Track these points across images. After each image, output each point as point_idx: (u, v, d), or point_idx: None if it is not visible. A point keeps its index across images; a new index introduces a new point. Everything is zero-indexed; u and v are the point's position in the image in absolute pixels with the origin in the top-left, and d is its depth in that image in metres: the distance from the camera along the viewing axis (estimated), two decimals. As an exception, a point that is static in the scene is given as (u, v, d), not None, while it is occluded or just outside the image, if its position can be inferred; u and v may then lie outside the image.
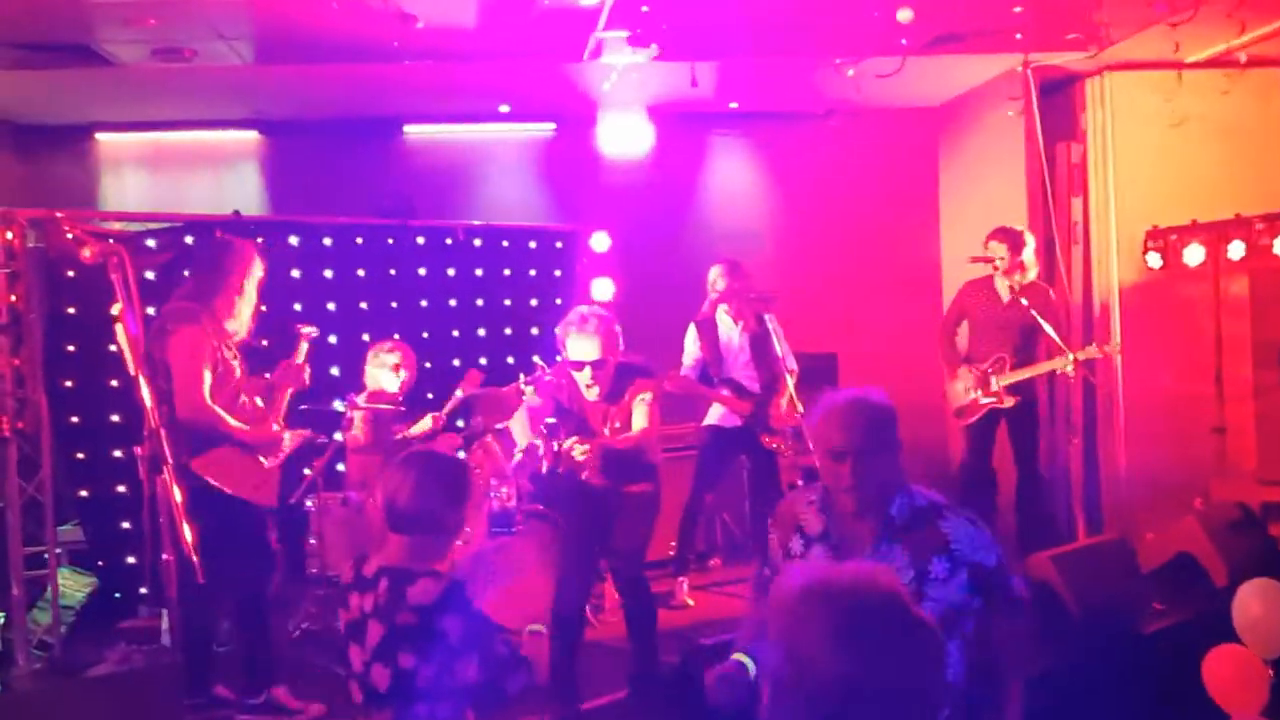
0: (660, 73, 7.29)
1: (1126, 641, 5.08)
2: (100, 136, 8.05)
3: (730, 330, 6.87)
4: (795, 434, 6.73)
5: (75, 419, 6.29)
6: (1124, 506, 7.38)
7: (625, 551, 5.11)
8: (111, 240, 4.24)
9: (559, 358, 7.36)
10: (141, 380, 3.79)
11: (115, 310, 4.11)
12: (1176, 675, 4.44)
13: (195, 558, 3.73)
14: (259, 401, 5.04)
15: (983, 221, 8.03)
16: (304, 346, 5.31)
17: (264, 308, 5.21)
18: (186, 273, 6.27)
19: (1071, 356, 6.40)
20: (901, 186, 8.79)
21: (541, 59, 7.04)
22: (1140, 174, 7.53)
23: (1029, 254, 6.62)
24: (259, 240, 5.71)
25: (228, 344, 4.88)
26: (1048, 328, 6.35)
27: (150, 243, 6.45)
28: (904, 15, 6.25)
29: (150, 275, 6.38)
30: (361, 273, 7.01)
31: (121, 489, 6.29)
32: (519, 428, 5.76)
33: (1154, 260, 7.27)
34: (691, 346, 6.74)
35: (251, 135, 8.21)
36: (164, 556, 4.06)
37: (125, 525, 6.32)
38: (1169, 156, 7.51)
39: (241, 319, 4.96)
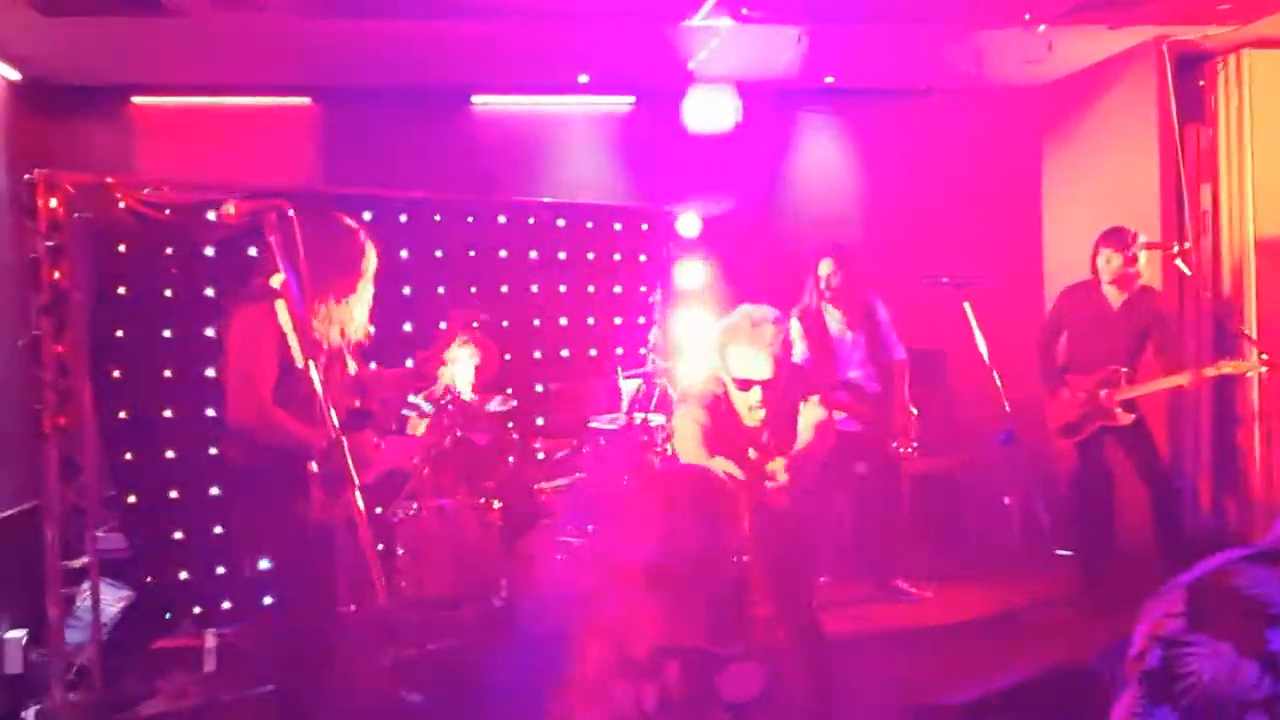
0: (753, 43, 6.64)
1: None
2: (137, 100, 7.27)
3: (840, 326, 6.27)
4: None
5: (123, 414, 5.54)
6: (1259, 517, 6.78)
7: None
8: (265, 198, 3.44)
9: (644, 350, 6.80)
10: (313, 372, 3.04)
11: (276, 282, 3.40)
12: None
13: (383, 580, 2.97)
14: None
15: (1096, 211, 7.47)
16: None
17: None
18: (253, 250, 5.61)
19: (1208, 371, 5.87)
20: (1003, 171, 8.15)
21: (632, 21, 6.37)
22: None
23: (1143, 256, 6.03)
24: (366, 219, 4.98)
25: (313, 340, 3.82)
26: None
27: (211, 215, 5.71)
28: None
29: (209, 251, 5.67)
30: (439, 253, 6.30)
31: (174, 495, 5.58)
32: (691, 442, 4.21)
33: (1295, 254, 6.67)
34: (798, 344, 6.11)
35: (303, 102, 7.44)
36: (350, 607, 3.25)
37: (178, 535, 5.60)
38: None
39: (355, 320, 4.00)
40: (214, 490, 5.59)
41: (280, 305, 3.54)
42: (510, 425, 5.76)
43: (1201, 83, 7.18)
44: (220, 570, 5.64)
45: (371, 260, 4.04)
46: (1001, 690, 3.77)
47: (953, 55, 6.87)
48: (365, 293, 4.04)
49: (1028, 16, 6.11)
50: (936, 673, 5.07)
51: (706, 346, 4.28)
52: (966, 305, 4.55)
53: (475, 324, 5.06)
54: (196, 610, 5.62)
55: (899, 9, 6.37)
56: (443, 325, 6.03)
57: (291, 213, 3.16)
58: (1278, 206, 6.84)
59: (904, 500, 6.41)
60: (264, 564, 5.34)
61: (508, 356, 6.19)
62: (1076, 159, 7.96)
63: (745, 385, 4.00)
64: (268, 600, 5.51)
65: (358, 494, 3.01)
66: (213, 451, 5.59)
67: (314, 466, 3.47)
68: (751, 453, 4.01)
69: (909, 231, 7.82)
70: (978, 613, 6.02)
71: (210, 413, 5.60)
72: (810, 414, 4.12)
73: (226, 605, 5.67)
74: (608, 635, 2.33)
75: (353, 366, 4.05)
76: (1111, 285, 6.06)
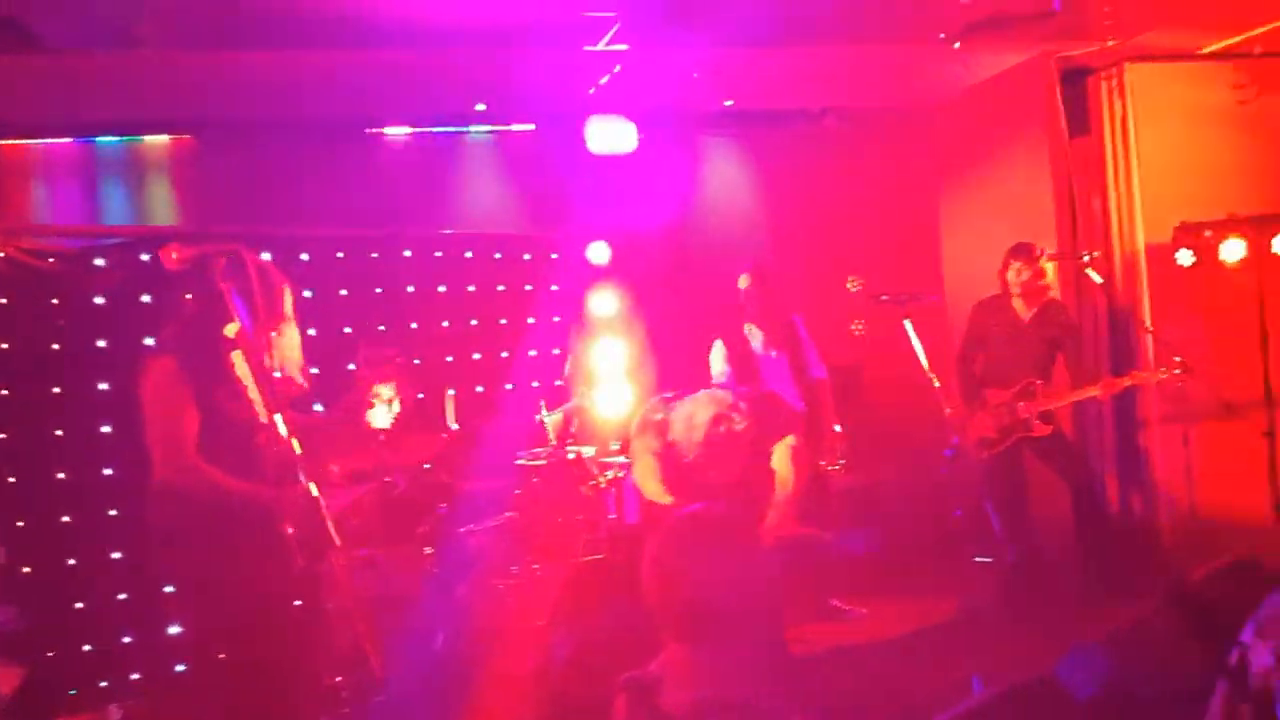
0: (653, 68, 6.60)
1: None
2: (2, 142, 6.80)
3: (762, 344, 6.24)
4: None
5: (12, 479, 5.14)
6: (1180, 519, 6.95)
7: None
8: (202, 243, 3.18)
9: (559, 382, 6.67)
10: (279, 425, 2.79)
11: (230, 331, 3.14)
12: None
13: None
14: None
15: (993, 225, 7.62)
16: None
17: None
18: (146, 298, 5.31)
19: (1124, 381, 6.03)
20: (900, 191, 8.25)
21: (531, 48, 6.25)
22: (1164, 169, 7.13)
23: (1050, 269, 6.17)
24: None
25: (232, 380, 3.57)
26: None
27: (99, 261, 5.37)
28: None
29: (99, 300, 5.33)
30: (344, 291, 6.05)
31: (73, 562, 5.20)
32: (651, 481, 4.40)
33: (1185, 258, 6.86)
34: (719, 364, 6.07)
35: (185, 138, 7.07)
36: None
37: (79, 605, 5.22)
38: (1192, 151, 7.14)
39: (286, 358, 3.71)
40: (116, 555, 5.24)
41: (237, 356, 3.30)
42: (428, 467, 5.53)
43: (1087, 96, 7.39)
44: (127, 639, 5.28)
45: (288, 300, 3.82)
46: (975, 708, 3.74)
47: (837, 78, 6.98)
48: (292, 335, 3.81)
49: (943, 35, 6.19)
50: (884, 691, 5.02)
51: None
52: (908, 322, 4.52)
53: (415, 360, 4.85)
54: (102, 684, 5.24)
55: (797, 32, 6.39)
56: (351, 366, 5.84)
57: (245, 256, 2.91)
58: (1164, 215, 7.03)
59: (835, 518, 6.37)
60: (176, 630, 5.04)
61: (421, 395, 5.97)
62: (972, 175, 8.11)
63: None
64: (180, 668, 5.20)
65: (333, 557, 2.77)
66: (113, 513, 5.26)
67: (289, 530, 3.22)
68: None
69: (816, 250, 7.85)
70: (914, 625, 6.01)
71: (108, 472, 5.27)
72: (785, 443, 4.10)
73: (135, 676, 5.30)
74: (632, 690, 2.17)
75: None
76: (1020, 299, 6.17)
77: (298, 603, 3.76)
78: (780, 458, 4.15)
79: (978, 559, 6.75)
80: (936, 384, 4.37)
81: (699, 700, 2.06)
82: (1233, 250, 6.69)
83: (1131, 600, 5.76)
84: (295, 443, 3.03)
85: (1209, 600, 4.56)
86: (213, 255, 2.92)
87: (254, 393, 3.31)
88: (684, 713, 2.07)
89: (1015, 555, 6.23)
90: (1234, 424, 6.57)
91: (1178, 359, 5.75)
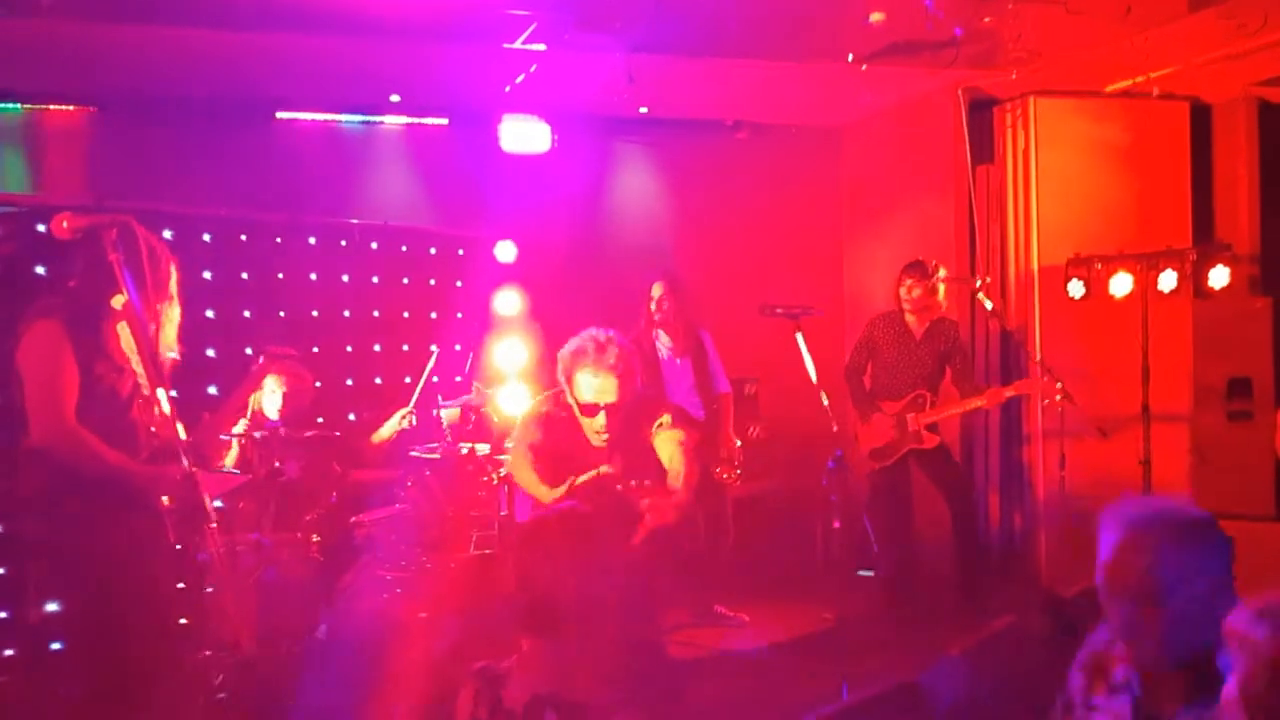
0: (569, 69, 6.64)
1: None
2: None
3: (669, 351, 6.34)
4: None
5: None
6: (1055, 538, 7.19)
7: None
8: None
9: (459, 378, 6.66)
10: (162, 399, 2.77)
11: (117, 303, 3.11)
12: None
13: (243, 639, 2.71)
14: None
15: (893, 245, 7.82)
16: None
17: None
18: (40, 269, 5.20)
19: (1006, 393, 6.25)
20: (805, 207, 8.41)
21: (448, 43, 6.24)
22: (1062, 200, 7.39)
23: (941, 288, 6.37)
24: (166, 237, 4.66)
25: (110, 352, 3.54)
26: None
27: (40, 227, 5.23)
28: (876, 17, 5.91)
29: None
30: (245, 275, 5.98)
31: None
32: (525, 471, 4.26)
33: (1076, 289, 7.10)
34: None
35: (88, 110, 6.90)
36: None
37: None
38: (1089, 184, 7.41)
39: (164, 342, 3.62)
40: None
41: (122, 329, 3.26)
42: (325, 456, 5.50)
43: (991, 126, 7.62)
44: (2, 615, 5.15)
45: (174, 278, 3.78)
46: (843, 709, 3.85)
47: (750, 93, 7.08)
48: (173, 314, 3.77)
49: (850, 57, 6.35)
50: (762, 695, 5.13)
51: (558, 368, 4.27)
52: (799, 335, 4.63)
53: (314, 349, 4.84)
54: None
55: (711, 44, 6.49)
56: (249, 350, 5.79)
57: (136, 229, 2.89)
58: (1059, 243, 7.28)
59: (729, 527, 6.46)
60: (53, 606, 4.93)
61: (318, 384, 5.93)
62: (877, 195, 8.31)
63: (591, 410, 4.09)
64: (55, 645, 5.09)
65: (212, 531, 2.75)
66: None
67: (165, 500, 3.19)
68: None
69: (722, 261, 7.95)
70: (793, 634, 6.13)
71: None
72: (670, 437, 4.13)
73: (9, 653, 5.18)
74: (479, 680, 2.20)
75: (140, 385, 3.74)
76: (913, 314, 6.36)
77: (180, 585, 3.74)
78: (670, 452, 4.17)
79: (860, 572, 6.92)
80: (825, 400, 4.47)
81: (536, 697, 2.10)
82: (1121, 284, 6.95)
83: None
84: (180, 426, 2.98)
85: (1076, 618, 4.75)
86: (104, 226, 2.89)
87: (137, 365, 3.28)
88: (521, 708, 2.11)
89: (892, 568, 6.40)
90: (1112, 450, 6.81)
91: (1059, 385, 5.96)
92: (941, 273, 6.37)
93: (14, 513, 4.08)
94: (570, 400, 4.18)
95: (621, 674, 2.43)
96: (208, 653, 4.36)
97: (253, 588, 4.75)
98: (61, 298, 3.56)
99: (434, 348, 6.01)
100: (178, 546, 3.24)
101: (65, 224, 2.89)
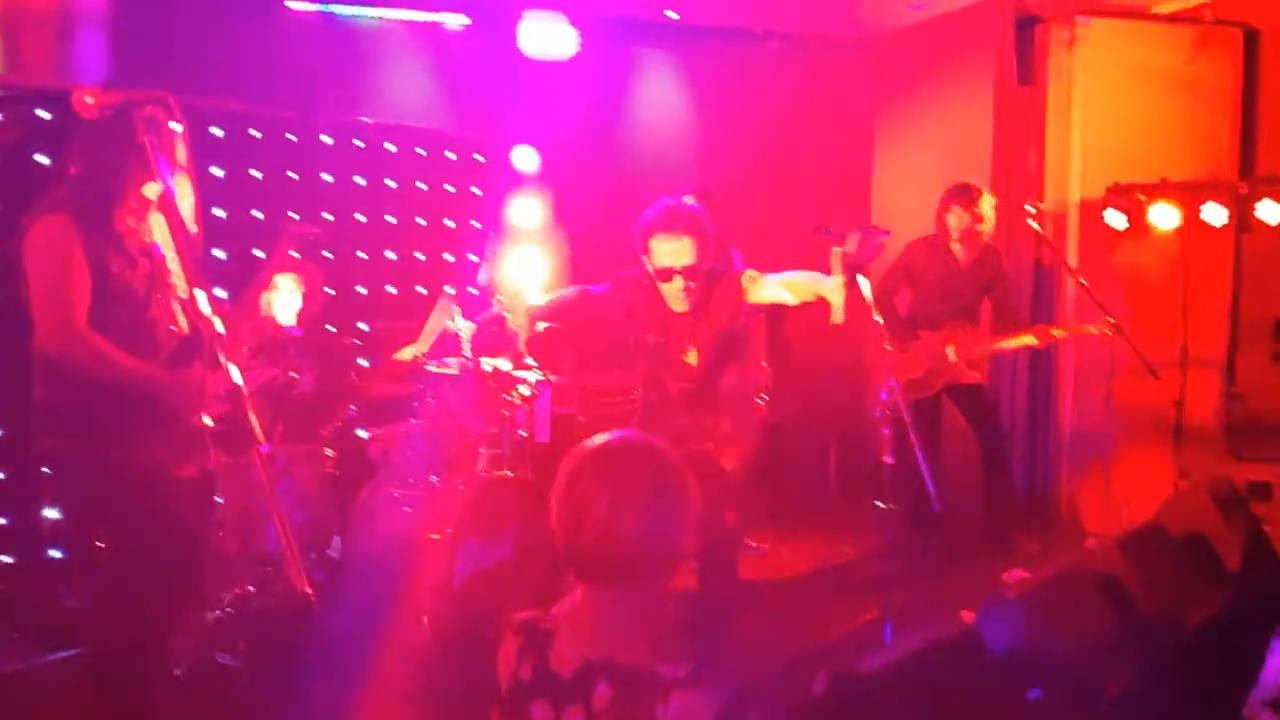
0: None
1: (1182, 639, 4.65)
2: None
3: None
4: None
5: None
6: (1077, 484, 7.01)
7: None
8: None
9: (473, 290, 6.39)
10: (203, 303, 2.49)
11: (151, 192, 2.82)
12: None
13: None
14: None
15: (926, 167, 7.52)
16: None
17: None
18: (43, 158, 4.89)
19: (1056, 332, 5.99)
20: (834, 122, 8.06)
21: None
22: (1104, 126, 7.07)
23: (990, 215, 6.08)
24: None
25: (125, 245, 3.25)
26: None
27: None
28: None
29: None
30: (256, 173, 5.67)
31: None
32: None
33: (1115, 219, 6.84)
34: None
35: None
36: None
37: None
38: (1133, 110, 7.09)
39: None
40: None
41: (158, 220, 2.99)
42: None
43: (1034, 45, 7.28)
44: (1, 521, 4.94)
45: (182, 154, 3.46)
46: (905, 657, 3.68)
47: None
48: (187, 190, 3.46)
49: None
50: (796, 630, 4.97)
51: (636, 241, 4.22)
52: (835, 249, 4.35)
53: (295, 253, 4.55)
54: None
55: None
56: (259, 253, 5.51)
57: (175, 108, 2.58)
58: (1098, 172, 6.99)
59: (761, 451, 6.26)
60: (53, 513, 4.72)
61: (329, 291, 5.67)
62: (910, 112, 7.96)
63: (667, 275, 4.08)
64: (55, 553, 4.90)
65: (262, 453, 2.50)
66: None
67: (207, 420, 2.95)
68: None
69: (748, 176, 7.64)
70: (815, 565, 5.98)
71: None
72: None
73: (7, 560, 4.98)
74: (524, 635, 1.97)
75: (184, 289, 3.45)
76: (959, 242, 6.07)
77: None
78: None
79: (877, 504, 6.73)
80: (879, 319, 4.24)
81: (589, 663, 1.88)
82: (1163, 216, 6.68)
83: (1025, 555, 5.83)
84: (218, 321, 2.69)
85: (1118, 566, 4.57)
86: (137, 103, 2.56)
87: (174, 263, 3.02)
88: (570, 675, 1.89)
89: (915, 503, 6.20)
90: (1146, 389, 6.61)
91: (1110, 319, 5.71)
92: (989, 199, 6.08)
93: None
94: (649, 268, 4.16)
95: (691, 640, 2.21)
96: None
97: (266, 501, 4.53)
98: (69, 188, 3.28)
99: (449, 289, 5.63)
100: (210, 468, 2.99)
101: (90, 99, 2.56)
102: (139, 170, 2.97)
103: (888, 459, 4.27)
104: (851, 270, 3.87)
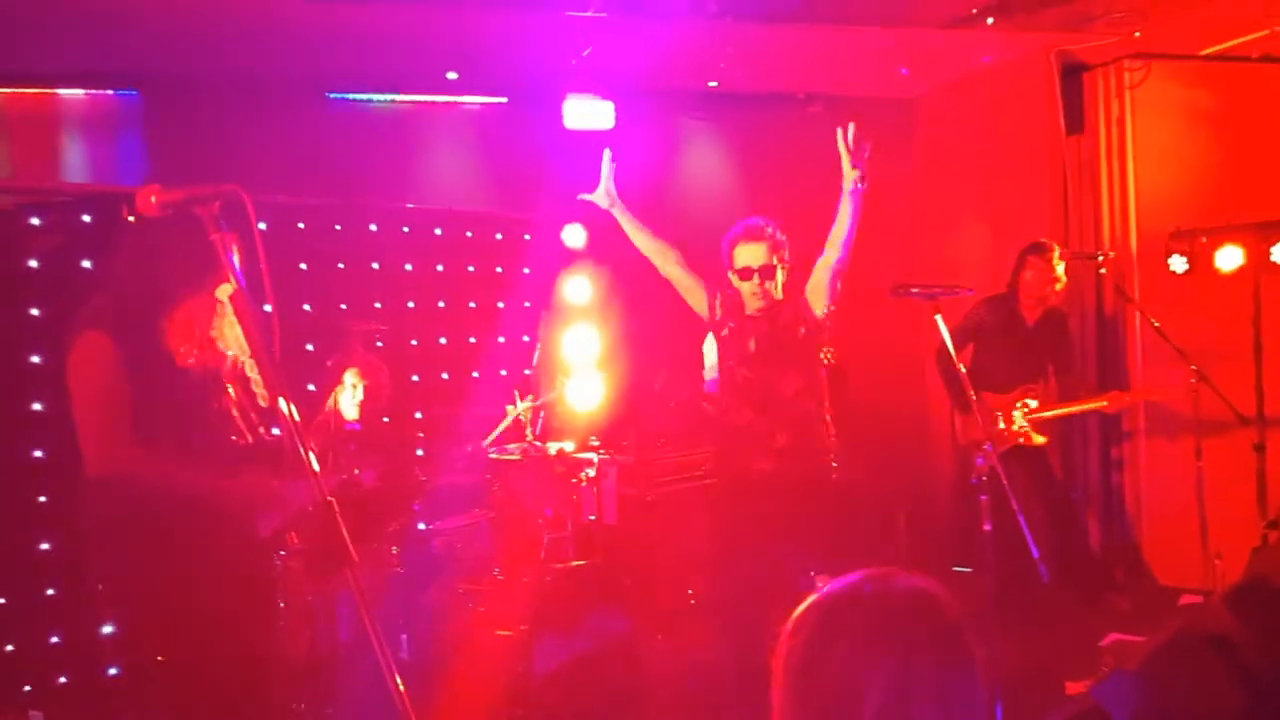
0: (635, 41, 6.21)
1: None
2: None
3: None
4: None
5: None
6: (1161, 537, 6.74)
7: None
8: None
9: (528, 371, 6.26)
10: (285, 409, 2.33)
11: (224, 294, 2.70)
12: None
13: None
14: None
15: (973, 224, 7.39)
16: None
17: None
18: (87, 263, 4.81)
19: (1134, 397, 5.87)
20: (882, 183, 7.89)
21: (509, 11, 5.79)
22: (1159, 171, 6.90)
23: (1062, 271, 5.91)
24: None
25: (171, 354, 3.11)
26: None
27: (35, 220, 4.85)
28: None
29: (33, 264, 4.82)
30: (303, 265, 5.57)
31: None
32: None
33: (1178, 264, 6.64)
34: (713, 356, 5.70)
35: (129, 94, 6.46)
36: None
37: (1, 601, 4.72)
38: (1187, 153, 6.92)
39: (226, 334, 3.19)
40: (44, 545, 4.75)
41: (229, 323, 2.86)
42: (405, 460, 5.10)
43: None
44: (54, 640, 4.78)
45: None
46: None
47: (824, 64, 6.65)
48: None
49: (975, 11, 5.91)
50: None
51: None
52: (938, 317, 4.20)
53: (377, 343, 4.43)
54: (26, 688, 4.73)
55: (796, 7, 6.05)
56: (310, 347, 5.39)
57: (246, 201, 2.44)
58: (1155, 216, 6.82)
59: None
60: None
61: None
62: (953, 169, 7.83)
63: (747, 274, 4.57)
64: (113, 671, 4.73)
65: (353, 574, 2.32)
66: (42, 500, 4.76)
67: (293, 538, 2.80)
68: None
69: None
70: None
71: (38, 454, 4.77)
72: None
73: (63, 680, 4.80)
74: None
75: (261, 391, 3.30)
76: (1031, 300, 5.90)
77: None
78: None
79: (956, 569, 6.49)
80: (963, 369, 4.15)
81: None
82: (1229, 258, 6.48)
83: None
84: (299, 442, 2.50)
85: (1229, 624, 4.30)
86: (204, 199, 2.42)
87: (252, 370, 2.88)
88: None
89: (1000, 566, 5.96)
90: (1224, 435, 6.37)
91: (1194, 368, 5.51)
92: (1060, 255, 5.93)
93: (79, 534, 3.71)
94: (732, 273, 4.65)
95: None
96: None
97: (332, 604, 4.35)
98: (110, 296, 3.15)
99: (518, 403, 5.44)
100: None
101: (154, 199, 2.42)
102: (200, 272, 2.86)
103: (986, 526, 4.04)
104: None
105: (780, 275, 4.60)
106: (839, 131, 4.71)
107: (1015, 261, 5.96)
